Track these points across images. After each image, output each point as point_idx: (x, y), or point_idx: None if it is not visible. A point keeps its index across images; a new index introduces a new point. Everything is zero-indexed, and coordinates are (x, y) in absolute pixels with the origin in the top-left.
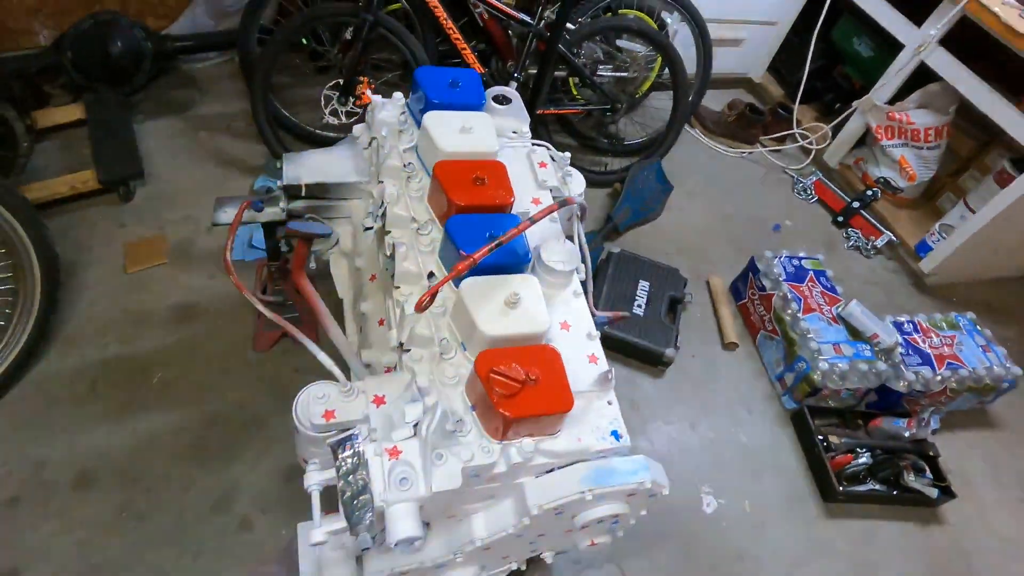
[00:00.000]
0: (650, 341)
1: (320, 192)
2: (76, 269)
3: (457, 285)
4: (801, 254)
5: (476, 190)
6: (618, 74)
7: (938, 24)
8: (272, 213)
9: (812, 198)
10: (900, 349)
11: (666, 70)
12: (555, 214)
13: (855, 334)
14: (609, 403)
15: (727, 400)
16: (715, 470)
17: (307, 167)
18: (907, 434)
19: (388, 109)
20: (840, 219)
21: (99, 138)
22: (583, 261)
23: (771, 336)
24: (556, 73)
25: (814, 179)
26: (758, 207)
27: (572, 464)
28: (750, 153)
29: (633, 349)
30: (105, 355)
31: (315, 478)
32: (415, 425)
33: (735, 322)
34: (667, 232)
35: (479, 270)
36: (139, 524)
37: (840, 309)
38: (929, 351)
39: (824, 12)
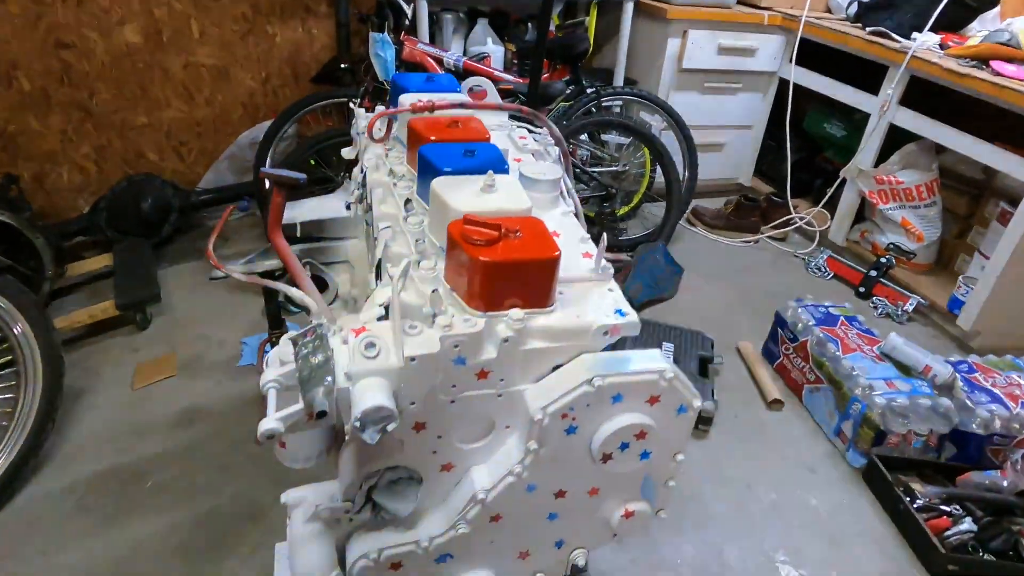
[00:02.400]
0: None
1: (316, 231)
2: (83, 394)
3: (427, 183)
4: (827, 303)
5: (450, 131)
6: (609, 168)
7: (890, 87)
8: (270, 264)
9: (828, 275)
10: (961, 384)
11: (657, 168)
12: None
13: (905, 371)
14: (610, 290)
15: (783, 460)
16: (786, 537)
17: (301, 209)
18: (1005, 483)
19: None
20: (862, 290)
21: (121, 273)
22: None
23: (816, 387)
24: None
25: (825, 256)
26: (775, 285)
27: (576, 357)
28: (755, 242)
29: None
30: (99, 467)
31: (271, 374)
32: (386, 307)
33: (775, 382)
34: (686, 309)
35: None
36: None
37: (882, 346)
38: (995, 389)
39: (790, 106)
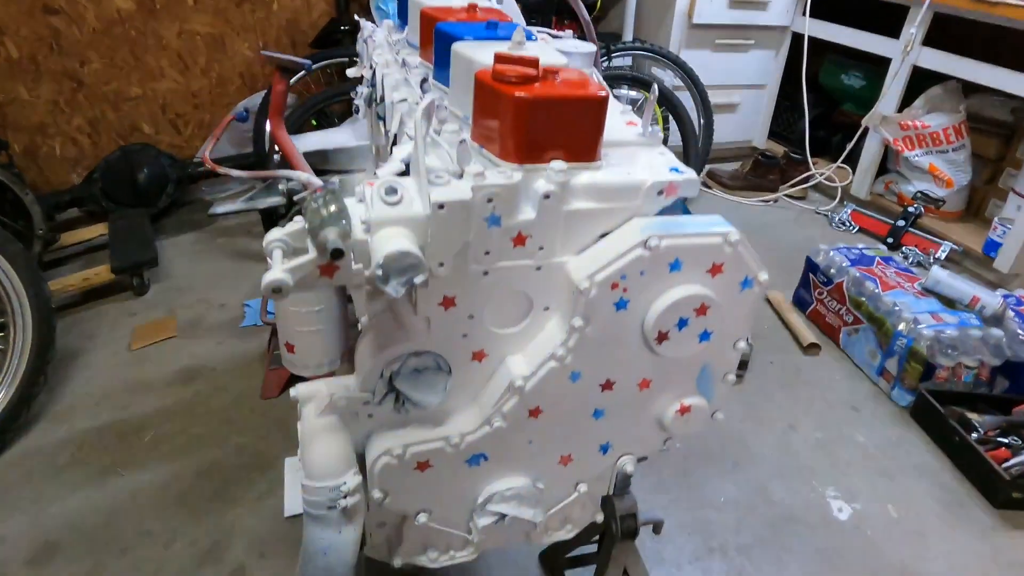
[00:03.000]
0: None
1: (320, 163)
2: (79, 355)
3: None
4: (860, 245)
5: (469, 15)
6: None
7: (913, 26)
8: (273, 201)
9: (853, 228)
10: (1012, 314)
11: (672, 126)
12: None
13: (950, 306)
14: (661, 154)
15: (826, 401)
16: (836, 472)
17: (305, 142)
18: None
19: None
20: (890, 241)
21: (116, 239)
22: None
23: (855, 328)
24: None
25: (850, 210)
26: (799, 239)
27: (627, 222)
28: (775, 201)
29: None
30: (95, 423)
31: (276, 233)
32: (407, 164)
33: (809, 328)
34: None
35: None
36: None
37: (924, 282)
38: None
39: (805, 59)
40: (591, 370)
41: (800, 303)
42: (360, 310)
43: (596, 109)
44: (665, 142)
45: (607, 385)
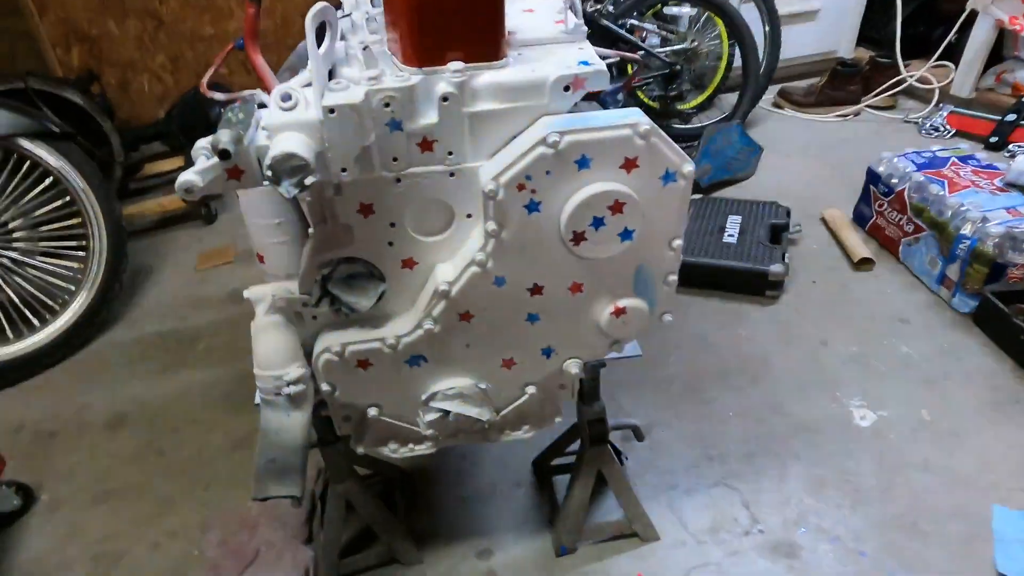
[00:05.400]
0: (748, 262)
1: None
2: (153, 271)
3: None
4: (935, 147)
5: None
6: (676, 47)
7: None
8: None
9: (948, 132)
10: None
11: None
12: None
13: None
14: (581, 48)
15: (871, 315)
16: (868, 384)
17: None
18: None
19: None
20: (993, 140)
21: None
22: None
23: (915, 238)
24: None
25: (945, 113)
26: (880, 152)
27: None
28: (855, 115)
29: (727, 276)
30: (162, 328)
31: (202, 142)
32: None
33: (866, 245)
34: (766, 186)
35: None
36: (159, 458)
37: (1005, 176)
38: None
39: None
40: (515, 275)
41: (860, 219)
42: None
43: (488, 4)
44: (729, 60)
45: (536, 290)
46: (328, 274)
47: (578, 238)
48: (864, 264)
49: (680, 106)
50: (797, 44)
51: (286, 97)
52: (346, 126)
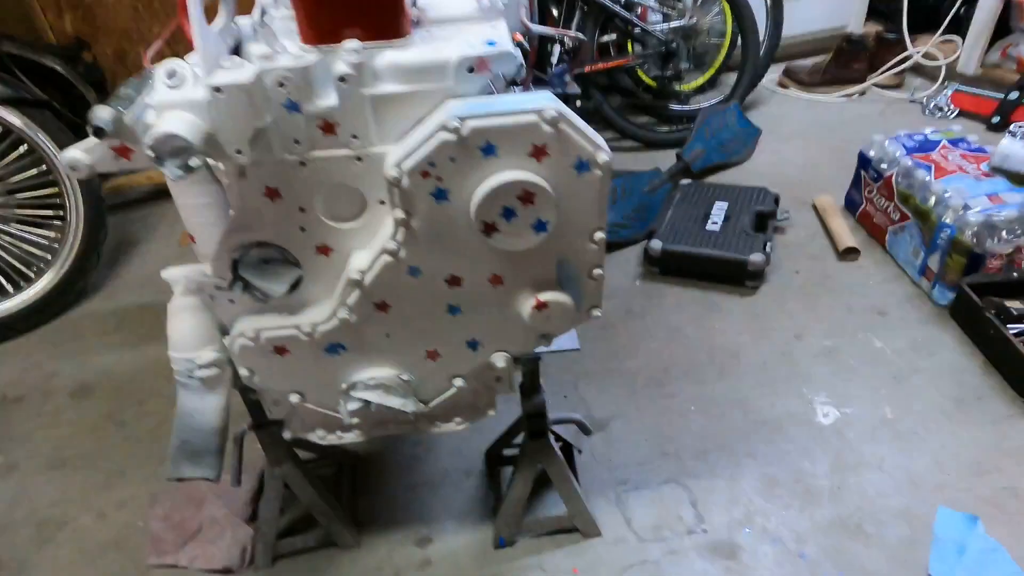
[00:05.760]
0: (729, 251)
1: None
2: (138, 243)
3: None
4: (928, 130)
5: None
6: (673, 23)
7: None
8: None
9: (952, 112)
10: None
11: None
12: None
13: (1022, 183)
14: (493, 27)
15: (848, 307)
16: (835, 380)
17: None
18: None
19: None
20: (995, 120)
21: None
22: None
23: (900, 226)
24: (607, 37)
25: (951, 91)
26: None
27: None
28: (861, 94)
29: (707, 265)
30: (140, 301)
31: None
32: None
33: (852, 232)
34: (760, 170)
35: None
36: (119, 429)
37: (991, 160)
38: None
39: None
40: (430, 265)
41: (850, 205)
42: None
43: None
44: (733, 38)
45: (454, 281)
46: (239, 258)
47: (489, 229)
48: (849, 254)
49: (679, 86)
50: (804, 19)
51: (171, 74)
52: (235, 106)
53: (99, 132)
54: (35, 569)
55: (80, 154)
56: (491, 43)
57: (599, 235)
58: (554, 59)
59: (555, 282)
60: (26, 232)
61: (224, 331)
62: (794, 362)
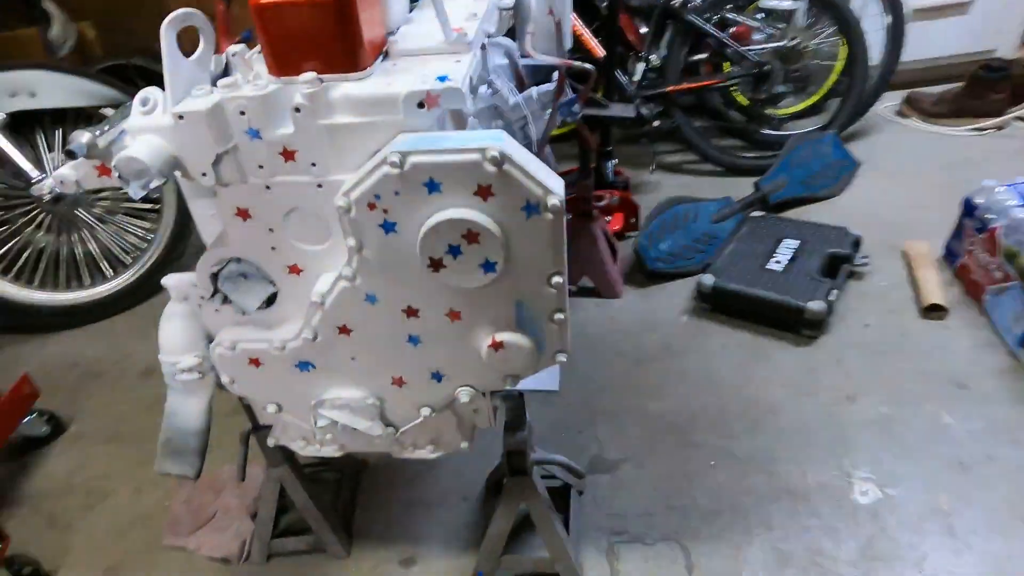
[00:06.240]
0: (785, 295)
1: None
2: None
3: None
4: None
5: None
6: (770, 45)
7: None
8: None
9: None
10: None
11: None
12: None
13: None
14: (457, 61)
15: (920, 372)
16: (884, 454)
17: None
18: None
19: None
20: None
21: None
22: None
23: (1002, 287)
24: (698, 56)
25: None
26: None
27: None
28: (998, 129)
29: (761, 308)
30: None
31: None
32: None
33: (944, 288)
34: (849, 207)
35: None
36: None
37: None
38: None
39: None
40: (386, 294)
41: (950, 256)
42: None
43: (340, 11)
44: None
45: (410, 312)
46: (219, 271)
47: (436, 264)
48: (934, 311)
49: (771, 110)
50: (937, 43)
51: (144, 101)
52: (197, 132)
53: (70, 154)
54: (76, 534)
55: (68, 171)
56: (442, 78)
57: (556, 279)
58: (636, 78)
59: (513, 323)
60: (128, 223)
61: (211, 339)
62: (839, 427)
